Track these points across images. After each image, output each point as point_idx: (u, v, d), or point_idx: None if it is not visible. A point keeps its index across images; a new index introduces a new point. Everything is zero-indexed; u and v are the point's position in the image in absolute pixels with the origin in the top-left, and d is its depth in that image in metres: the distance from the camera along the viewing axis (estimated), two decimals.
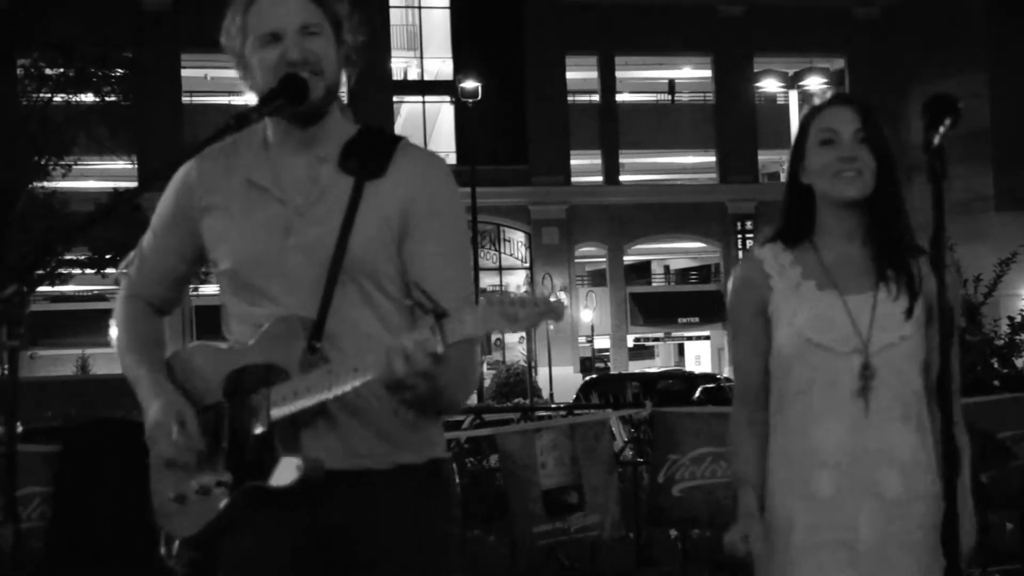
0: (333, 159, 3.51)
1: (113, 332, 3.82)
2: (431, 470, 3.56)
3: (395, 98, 49.48)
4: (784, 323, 3.84)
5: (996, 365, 16.13)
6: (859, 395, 3.72)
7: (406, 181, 3.49)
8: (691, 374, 38.99)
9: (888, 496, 3.70)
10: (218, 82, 46.04)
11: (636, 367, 49.87)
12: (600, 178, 51.24)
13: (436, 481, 3.59)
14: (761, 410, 3.92)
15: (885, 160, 3.79)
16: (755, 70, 52.77)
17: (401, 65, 50.62)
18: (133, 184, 34.39)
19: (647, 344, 55.88)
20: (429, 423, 3.54)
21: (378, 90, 47.95)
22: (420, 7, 50.65)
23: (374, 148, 3.54)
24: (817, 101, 4.05)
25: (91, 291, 46.84)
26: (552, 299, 3.09)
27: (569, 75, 50.65)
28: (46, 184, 32.18)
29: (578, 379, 42.34)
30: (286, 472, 3.34)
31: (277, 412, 3.35)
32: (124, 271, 3.85)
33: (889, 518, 3.70)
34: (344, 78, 3.59)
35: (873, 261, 3.80)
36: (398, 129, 48.71)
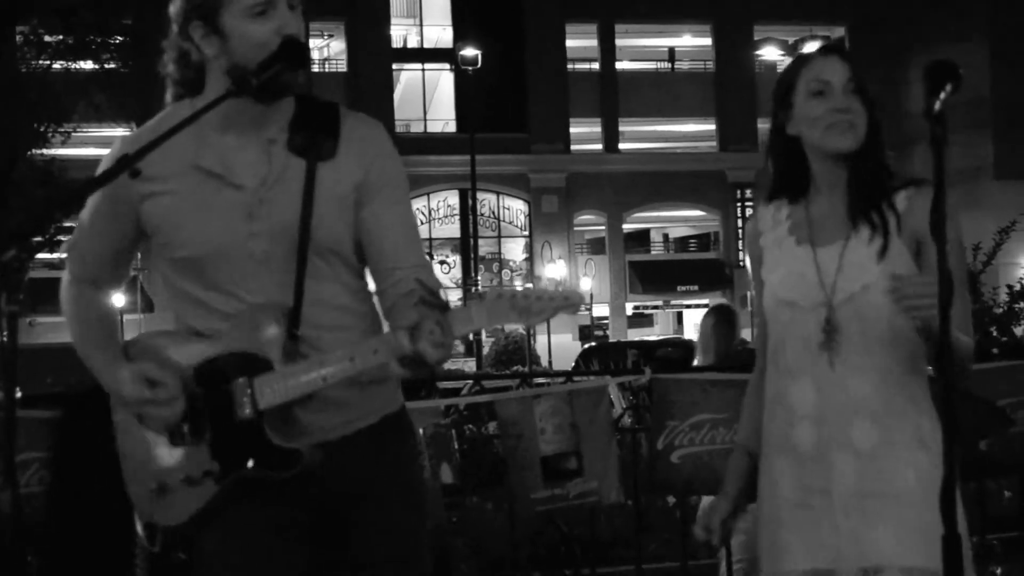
0: (282, 140, 3.50)
1: (63, 317, 3.80)
2: (387, 426, 3.61)
3: (394, 66, 49.42)
4: (765, 281, 3.86)
5: (995, 333, 16.13)
6: (823, 349, 3.69)
7: (356, 157, 3.51)
8: (690, 342, 38.88)
9: (862, 448, 3.67)
10: None
11: (635, 335, 49.88)
12: (600, 146, 51.21)
13: (394, 435, 3.64)
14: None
15: (874, 110, 3.75)
16: (755, 38, 52.67)
17: (400, 33, 50.53)
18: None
19: (646, 312, 55.87)
20: (383, 385, 3.57)
21: (377, 58, 47.90)
22: None
23: (319, 125, 3.52)
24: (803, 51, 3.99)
25: None
26: (565, 291, 3.13)
27: (569, 43, 50.57)
28: (45, 151, 32.09)
29: (577, 347, 42.35)
30: (284, 460, 3.37)
31: (266, 401, 3.35)
32: (67, 255, 3.82)
33: (864, 471, 3.67)
34: None
35: (850, 207, 3.76)
36: (397, 97, 48.70)
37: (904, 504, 3.65)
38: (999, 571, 8.50)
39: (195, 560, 3.61)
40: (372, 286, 3.62)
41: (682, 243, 58.26)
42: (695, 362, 9.11)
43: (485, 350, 43.20)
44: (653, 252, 56.94)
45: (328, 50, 50.26)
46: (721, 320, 8.94)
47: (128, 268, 3.81)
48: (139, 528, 3.70)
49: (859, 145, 3.72)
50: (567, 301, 3.12)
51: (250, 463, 3.39)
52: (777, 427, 3.81)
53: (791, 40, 53.94)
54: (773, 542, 3.81)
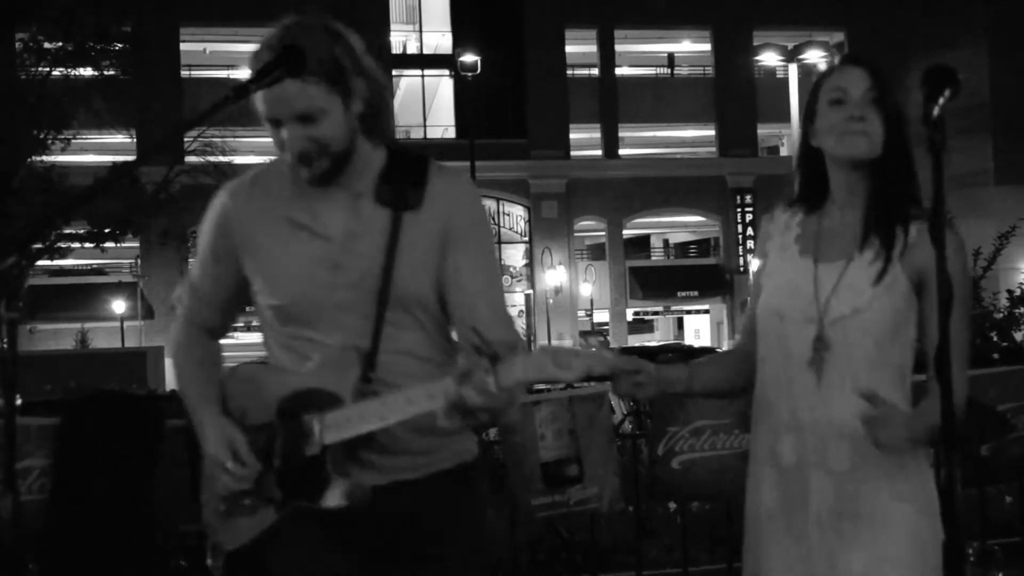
0: (369, 193, 3.58)
1: (168, 359, 3.92)
2: (461, 473, 3.71)
3: (394, 72, 49.42)
4: (764, 286, 3.88)
5: (995, 338, 16.13)
6: (810, 365, 3.71)
7: (442, 209, 3.58)
8: (690, 348, 39.03)
9: (837, 469, 3.68)
10: (217, 56, 46.01)
11: (635, 341, 49.94)
12: (599, 152, 51.24)
13: (467, 483, 3.74)
14: (746, 341, 3.98)
15: (895, 123, 3.74)
16: (754, 43, 52.59)
17: (400, 39, 50.55)
18: (132, 158, 34.41)
19: (646, 318, 55.91)
20: (458, 434, 3.62)
21: (376, 64, 47.94)
22: None
23: (406, 177, 3.61)
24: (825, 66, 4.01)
25: (90, 265, 46.90)
26: (605, 352, 3.22)
27: (568, 49, 50.61)
28: (45, 158, 32.12)
29: None
30: (335, 495, 3.46)
31: (330, 437, 3.45)
32: (177, 299, 3.92)
33: (840, 492, 3.68)
34: (368, 105, 3.58)
35: (862, 226, 3.76)
36: (397, 103, 48.66)
37: (878, 527, 3.66)
38: None
39: None
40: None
41: (682, 249, 58.33)
42: None
43: None
44: (653, 258, 57.03)
45: None
46: None
47: (234, 317, 3.92)
48: (208, 554, 3.78)
49: (873, 155, 3.72)
50: (602, 362, 3.19)
51: (306, 494, 3.50)
52: (763, 438, 3.84)
53: (790, 45, 53.84)
54: (756, 554, 3.84)
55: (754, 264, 4.14)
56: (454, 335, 3.68)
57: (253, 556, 3.67)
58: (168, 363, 3.91)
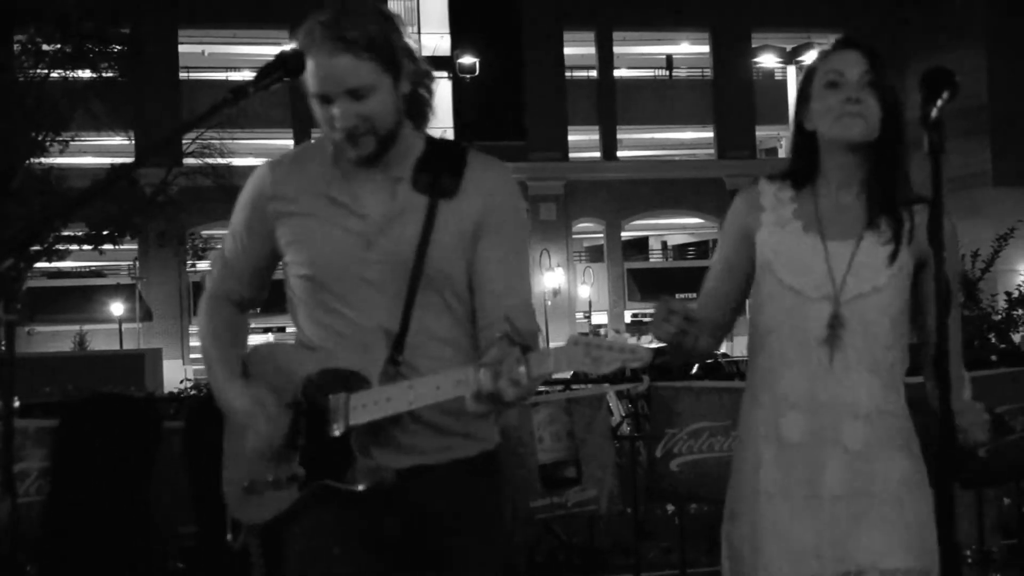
0: (407, 178, 3.64)
1: (195, 328, 3.95)
2: (483, 462, 3.73)
3: None
4: (764, 261, 3.84)
5: (994, 340, 16.14)
6: (825, 343, 3.70)
7: (478, 197, 3.63)
8: None
9: (852, 447, 3.68)
10: (215, 58, 45.95)
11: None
12: (598, 154, 51.19)
13: (488, 472, 3.76)
14: (715, 311, 3.99)
15: (890, 107, 3.74)
16: (753, 45, 52.69)
17: None
18: (130, 160, 34.33)
19: (644, 320, 55.87)
20: (481, 420, 3.63)
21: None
22: None
23: (444, 165, 3.67)
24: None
25: (88, 267, 46.85)
26: (634, 346, 3.19)
27: (567, 50, 50.57)
28: (43, 160, 32.09)
29: None
30: (360, 475, 3.48)
31: (356, 418, 3.47)
32: (208, 273, 3.98)
33: (854, 470, 3.67)
34: (414, 87, 3.69)
35: (866, 208, 3.76)
36: None
37: (888, 504, 3.66)
38: None
39: (280, 557, 3.73)
40: None
41: (680, 250, 58.32)
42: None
43: None
44: (652, 259, 57.01)
45: None
46: None
47: (265, 290, 3.96)
48: (228, 529, 3.80)
49: (870, 137, 3.72)
50: (635, 355, 3.17)
51: (331, 474, 3.51)
52: (763, 414, 3.81)
53: (789, 47, 53.98)
54: (754, 547, 3.79)
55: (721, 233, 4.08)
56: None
57: (272, 534, 3.69)
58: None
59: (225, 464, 3.82)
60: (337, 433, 3.48)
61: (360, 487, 3.47)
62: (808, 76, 3.84)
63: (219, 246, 3.97)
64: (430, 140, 3.75)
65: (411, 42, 3.65)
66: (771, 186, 3.91)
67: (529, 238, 3.80)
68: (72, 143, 32.66)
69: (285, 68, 3.41)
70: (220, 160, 34.28)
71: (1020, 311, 17.62)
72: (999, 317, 17.34)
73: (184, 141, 34.85)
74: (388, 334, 3.53)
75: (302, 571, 3.64)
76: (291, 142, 39.07)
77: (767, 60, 53.92)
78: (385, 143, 3.57)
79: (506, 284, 3.61)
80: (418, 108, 3.72)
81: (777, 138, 53.46)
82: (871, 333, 3.69)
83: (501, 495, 3.85)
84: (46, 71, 32.41)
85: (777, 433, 3.76)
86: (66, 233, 32.45)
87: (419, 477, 3.58)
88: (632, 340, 3.32)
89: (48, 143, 32.11)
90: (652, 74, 54.57)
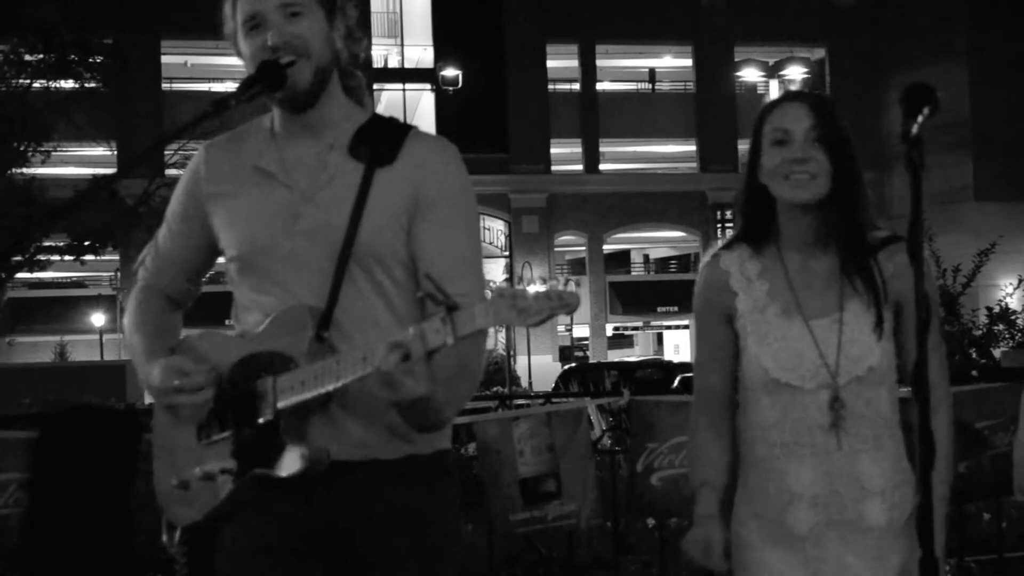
0: (343, 146, 3.47)
1: (125, 320, 3.80)
2: (437, 461, 3.54)
3: (375, 85, 49.43)
4: (751, 352, 3.73)
5: (974, 355, 16.19)
6: (831, 428, 3.64)
7: (416, 167, 3.43)
8: (670, 363, 38.99)
9: (875, 525, 3.64)
10: (198, 68, 45.95)
11: (615, 356, 49.97)
12: (580, 167, 51.30)
13: (441, 472, 3.57)
14: (722, 417, 3.82)
15: (841, 159, 3.64)
16: (736, 59, 52.84)
17: (381, 52, 50.56)
18: (112, 170, 34.29)
19: (626, 333, 55.93)
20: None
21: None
22: None
23: (384, 136, 3.49)
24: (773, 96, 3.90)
25: (69, 278, 46.84)
26: (564, 291, 3.10)
27: (550, 63, 50.69)
28: (25, 170, 32.09)
29: (557, 368, 42.35)
30: (291, 461, 3.29)
31: (284, 401, 3.29)
32: (140, 263, 3.83)
33: (880, 548, 3.65)
34: (348, 55, 3.56)
35: (837, 272, 3.69)
36: None
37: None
38: None
39: (213, 559, 3.56)
40: None
41: (662, 264, 58.42)
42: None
43: None
44: (633, 273, 57.10)
45: None
46: None
47: (197, 286, 3.81)
48: (163, 531, 3.64)
49: (820, 196, 3.64)
50: (562, 301, 3.10)
51: (262, 462, 3.33)
52: (770, 508, 3.73)
53: (771, 61, 54.15)
54: None
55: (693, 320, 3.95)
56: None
57: (206, 532, 3.52)
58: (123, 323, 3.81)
59: (155, 465, 3.64)
60: (265, 419, 3.31)
61: (291, 473, 3.27)
62: (757, 130, 3.72)
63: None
64: (375, 115, 3.56)
65: (353, 9, 3.56)
66: (734, 260, 3.82)
67: (477, 217, 3.60)
68: (54, 153, 32.66)
69: (267, 80, 3.38)
70: None
71: (1001, 326, 17.67)
72: (980, 332, 17.39)
73: (166, 152, 34.83)
74: (313, 311, 3.34)
75: (234, 566, 3.49)
76: None
77: (750, 74, 54.06)
78: (320, 78, 3.43)
79: (441, 248, 3.40)
80: (352, 75, 3.56)
81: None
82: (872, 409, 3.65)
83: (452, 499, 3.64)
84: (28, 81, 32.40)
85: (785, 528, 3.69)
86: (47, 243, 32.41)
87: (369, 471, 3.41)
88: (561, 286, 3.15)
89: (30, 153, 32.11)
90: (635, 87, 54.71)
